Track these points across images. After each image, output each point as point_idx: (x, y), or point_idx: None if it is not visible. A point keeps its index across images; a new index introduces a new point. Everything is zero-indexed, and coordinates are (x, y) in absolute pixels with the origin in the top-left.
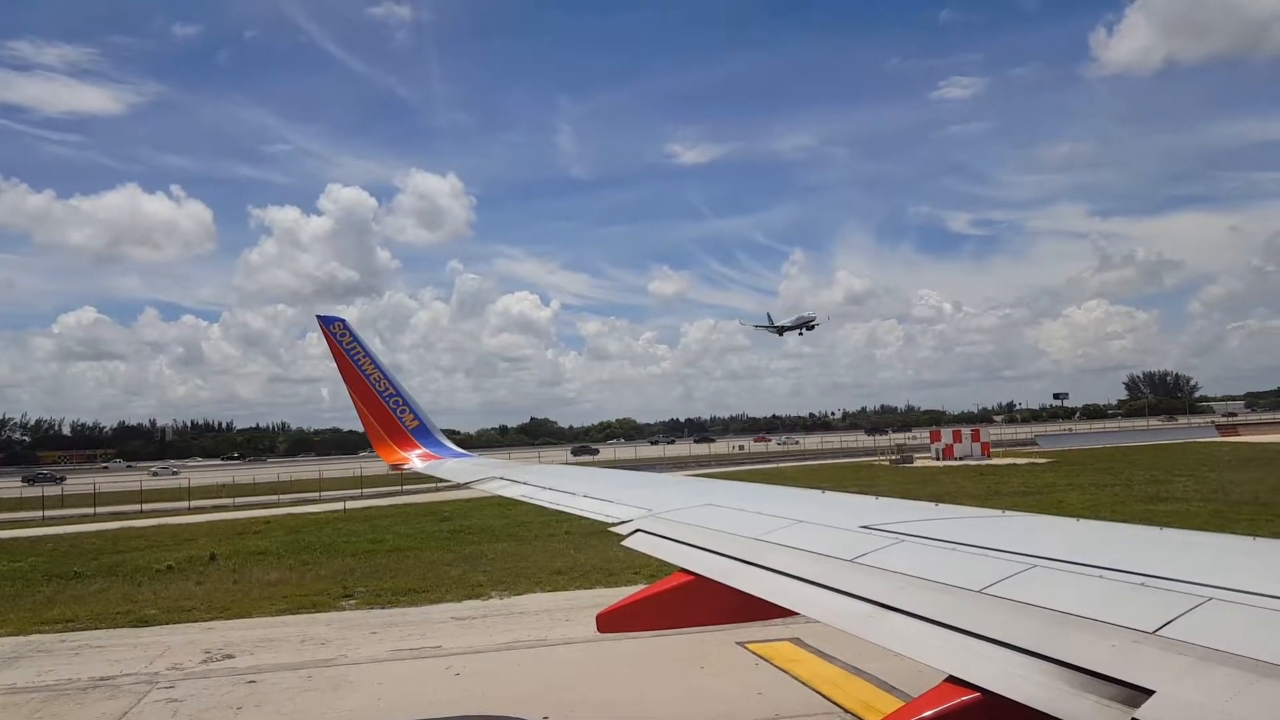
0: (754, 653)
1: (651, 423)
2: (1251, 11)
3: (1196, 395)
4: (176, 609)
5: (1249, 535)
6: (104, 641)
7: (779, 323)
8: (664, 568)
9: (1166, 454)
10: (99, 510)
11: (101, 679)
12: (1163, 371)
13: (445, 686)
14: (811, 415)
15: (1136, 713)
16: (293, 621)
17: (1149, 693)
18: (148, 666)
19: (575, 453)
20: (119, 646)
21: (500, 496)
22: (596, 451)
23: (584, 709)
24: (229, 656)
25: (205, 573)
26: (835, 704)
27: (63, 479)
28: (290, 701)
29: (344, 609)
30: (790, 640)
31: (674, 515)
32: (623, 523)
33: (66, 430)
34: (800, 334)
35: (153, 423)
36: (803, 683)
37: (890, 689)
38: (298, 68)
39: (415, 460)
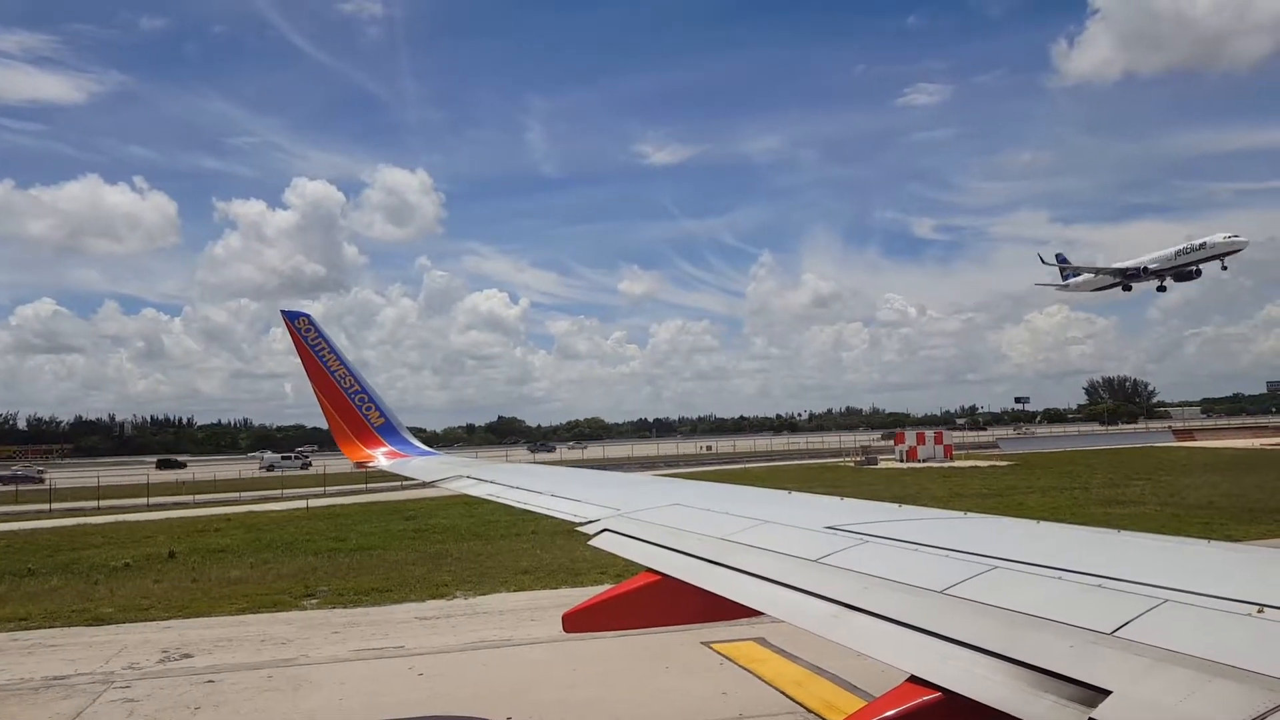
0: (719, 653)
1: (620, 422)
2: (1206, 27)
3: (1154, 401)
4: (134, 607)
5: (1203, 538)
6: (58, 640)
7: (1138, 263)
8: (630, 568)
9: (1124, 458)
10: (55, 506)
11: (55, 678)
12: (1121, 377)
13: (408, 687)
14: (778, 416)
15: (1094, 712)
16: (253, 621)
17: (1106, 693)
18: (103, 666)
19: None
20: (74, 645)
21: (467, 495)
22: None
23: (548, 709)
24: (187, 656)
25: (163, 571)
26: (798, 703)
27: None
28: (249, 702)
29: (306, 608)
30: (754, 640)
31: (641, 515)
32: (590, 522)
33: (22, 424)
34: (1160, 288)
35: (111, 417)
36: (766, 682)
37: (852, 688)
38: (263, 61)
39: (381, 458)
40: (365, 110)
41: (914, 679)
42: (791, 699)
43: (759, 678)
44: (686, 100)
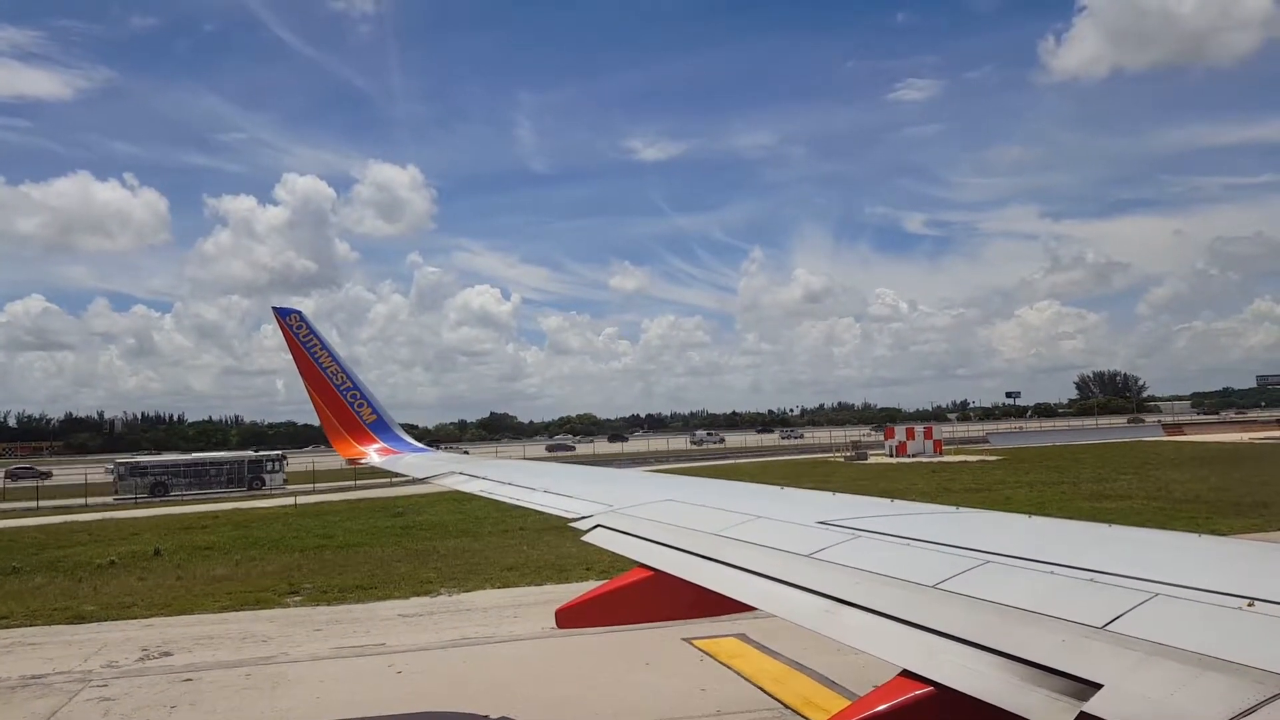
0: (699, 648)
1: (612, 418)
2: (1192, 24)
3: (1144, 395)
4: (116, 605)
5: (1190, 532)
6: (38, 639)
7: None
8: (617, 563)
9: (1113, 452)
10: (42, 504)
11: (33, 677)
12: (1112, 371)
13: (386, 685)
14: (770, 412)
15: (1085, 705)
16: (235, 618)
17: (1098, 686)
18: (82, 664)
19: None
20: (53, 644)
21: (459, 492)
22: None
23: (527, 706)
24: (166, 654)
25: (148, 568)
26: (776, 700)
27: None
28: (226, 700)
29: (289, 606)
30: (736, 636)
31: (634, 511)
32: (583, 518)
33: (13, 422)
34: None
35: (101, 415)
36: (746, 679)
37: (832, 685)
38: (251, 56)
39: (373, 455)
40: (355, 106)
41: (906, 673)
42: (770, 695)
43: (739, 674)
44: (676, 96)
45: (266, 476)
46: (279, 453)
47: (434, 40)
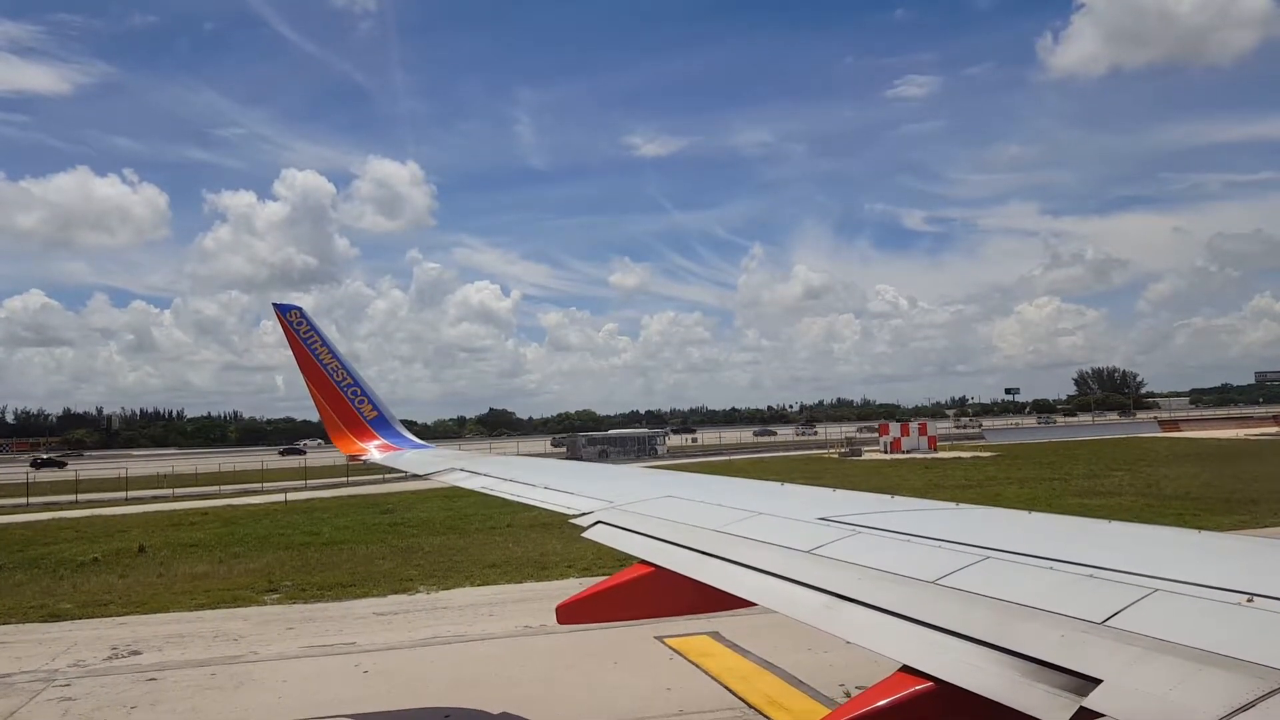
0: (670, 647)
1: (612, 415)
2: (1190, 23)
3: (1143, 391)
4: (93, 603)
5: (1186, 528)
6: (9, 637)
7: None
8: (600, 560)
9: (1107, 449)
10: (32, 500)
11: None
12: (1110, 368)
13: (350, 684)
14: (769, 408)
15: (1085, 701)
16: (209, 616)
17: (1097, 681)
18: (48, 663)
19: None
20: (24, 642)
21: (456, 488)
22: None
23: (490, 706)
24: (135, 653)
25: (131, 565)
26: (740, 699)
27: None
28: (187, 700)
29: (265, 604)
30: (709, 634)
31: (634, 507)
32: (583, 514)
33: (10, 418)
34: None
35: (99, 410)
36: (713, 677)
37: (798, 684)
38: (251, 52)
39: (373, 451)
40: (355, 102)
41: (906, 669)
42: (735, 694)
43: (706, 673)
44: (676, 93)
45: (658, 447)
46: (665, 430)
47: (434, 37)
